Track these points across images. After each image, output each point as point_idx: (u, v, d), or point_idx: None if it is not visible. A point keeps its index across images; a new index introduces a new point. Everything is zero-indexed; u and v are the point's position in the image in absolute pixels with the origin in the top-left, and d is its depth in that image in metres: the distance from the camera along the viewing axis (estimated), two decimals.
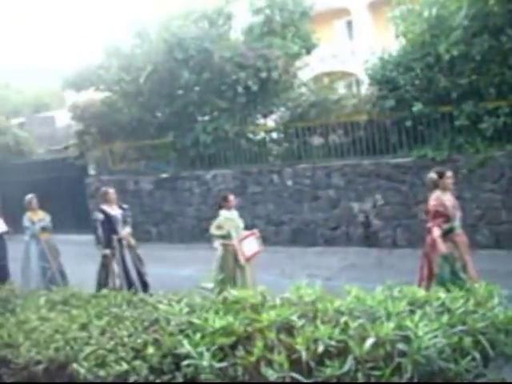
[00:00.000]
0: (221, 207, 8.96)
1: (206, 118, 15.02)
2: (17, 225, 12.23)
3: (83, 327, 3.85)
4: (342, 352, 2.96)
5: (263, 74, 14.12)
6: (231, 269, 8.59)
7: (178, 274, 11.30)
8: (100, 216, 9.30)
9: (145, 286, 9.20)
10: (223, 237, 8.70)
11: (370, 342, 2.89)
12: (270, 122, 15.24)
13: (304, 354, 2.89)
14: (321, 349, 2.90)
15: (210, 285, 3.89)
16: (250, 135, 14.98)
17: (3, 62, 53.95)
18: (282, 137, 14.71)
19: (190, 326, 3.44)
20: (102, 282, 8.99)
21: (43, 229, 10.71)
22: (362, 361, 2.87)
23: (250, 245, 8.79)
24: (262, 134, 15.13)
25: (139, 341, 3.44)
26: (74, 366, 3.37)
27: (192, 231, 14.91)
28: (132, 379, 3.19)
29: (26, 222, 10.70)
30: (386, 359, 2.89)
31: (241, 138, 14.56)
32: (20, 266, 10.83)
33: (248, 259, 8.63)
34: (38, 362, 3.58)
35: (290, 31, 15.48)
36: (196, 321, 3.40)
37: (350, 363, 2.86)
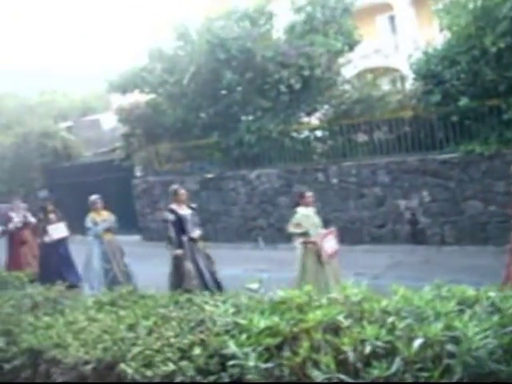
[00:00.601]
0: (297, 204, 8.79)
1: (250, 117, 15.05)
2: (68, 226, 12.52)
3: (131, 328, 3.88)
4: (389, 353, 2.91)
5: (306, 72, 14.08)
6: (314, 267, 8.37)
7: (224, 274, 11.34)
8: (171, 217, 9.16)
9: (218, 286, 9.08)
10: (302, 235, 8.50)
11: (418, 342, 2.83)
12: (314, 120, 15.19)
13: (351, 355, 2.86)
14: (368, 350, 2.86)
15: (256, 285, 3.87)
16: (294, 134, 14.95)
17: (50, 67, 55.05)
18: (327, 135, 14.64)
19: (235, 326, 3.44)
20: (176, 283, 8.85)
21: (106, 229, 10.66)
22: (409, 362, 2.82)
23: (329, 242, 8.53)
24: (305, 133, 15.09)
25: (186, 341, 3.45)
26: (122, 366, 3.40)
27: (237, 231, 14.97)
28: (178, 379, 3.20)
29: (88, 223, 10.65)
30: (435, 360, 2.83)
31: (285, 137, 14.54)
32: (82, 266, 10.88)
33: (330, 257, 8.42)
34: (87, 362, 3.62)
35: (331, 28, 15.37)
36: (242, 321, 3.39)
37: (397, 364, 2.81)
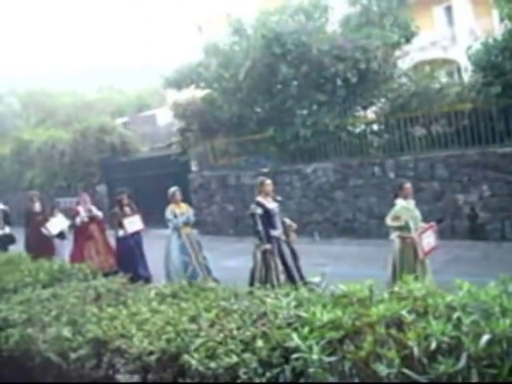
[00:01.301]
0: (396, 196, 8.40)
1: (306, 111, 15.00)
2: None
3: (193, 319, 3.92)
4: (455, 349, 2.87)
5: (362, 66, 13.96)
6: (411, 263, 7.96)
7: None
8: (259, 210, 8.85)
9: (304, 281, 8.37)
10: (400, 228, 8.12)
11: (485, 338, 2.78)
12: (370, 114, 15.05)
13: (416, 350, 2.83)
14: (433, 345, 2.83)
15: (317, 279, 3.87)
16: (350, 128, 14.84)
17: (106, 64, 56.04)
18: (383, 128, 14.48)
19: (297, 319, 3.45)
20: (263, 277, 8.57)
21: (185, 223, 10.57)
22: (476, 358, 2.77)
23: (428, 239, 8.03)
24: (362, 127, 14.96)
25: (248, 333, 3.47)
26: (186, 357, 3.44)
27: None
28: (241, 372, 3.22)
29: (168, 215, 10.55)
30: (503, 357, 2.78)
31: (341, 131, 14.45)
32: (163, 260, 10.76)
33: (426, 254, 7.95)
34: (151, 353, 3.67)
35: (388, 20, 15.18)
36: (304, 314, 3.40)
37: (464, 360, 2.77)
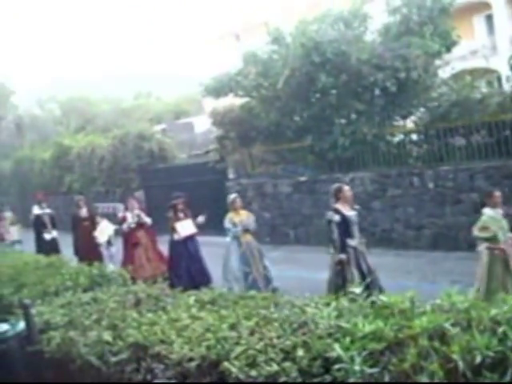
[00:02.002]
0: (484, 205, 8.01)
1: (344, 120, 14.95)
2: (161, 226, 12.82)
3: (232, 327, 3.93)
4: (501, 363, 2.83)
5: (402, 75, 13.85)
6: (500, 276, 7.58)
7: (316, 277, 11.27)
8: (336, 217, 8.35)
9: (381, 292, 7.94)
10: (488, 239, 7.71)
11: None
12: (409, 124, 14.93)
13: (460, 364, 2.79)
14: (478, 359, 2.79)
15: (358, 289, 3.84)
16: (389, 137, 14.74)
17: (145, 70, 56.65)
18: (422, 138, 14.34)
19: (338, 329, 3.44)
20: (340, 289, 7.71)
21: (245, 230, 10.30)
22: None
23: None
24: (400, 136, 14.85)
25: (288, 343, 3.46)
26: (226, 364, 3.45)
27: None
28: (281, 380, 3.22)
29: (227, 224, 10.32)
30: None
31: (379, 141, 14.35)
32: (222, 269, 10.48)
33: None
34: (191, 359, 3.69)
35: (428, 29, 15.01)
36: (345, 325, 3.39)
37: (509, 376, 2.72)
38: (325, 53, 14.17)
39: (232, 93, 16.99)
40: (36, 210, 15.16)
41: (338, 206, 8.51)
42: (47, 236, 14.70)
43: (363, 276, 8.23)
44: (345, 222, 8.39)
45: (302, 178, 15.55)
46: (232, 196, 10.66)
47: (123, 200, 19.35)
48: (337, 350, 3.10)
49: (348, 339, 3.19)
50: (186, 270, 10.82)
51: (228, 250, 10.34)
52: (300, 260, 13.10)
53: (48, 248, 13.71)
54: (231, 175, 17.86)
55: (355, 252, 8.41)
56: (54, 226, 14.89)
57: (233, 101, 18.01)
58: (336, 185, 8.99)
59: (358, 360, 3.00)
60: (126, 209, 12.76)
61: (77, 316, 5.07)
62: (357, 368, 2.96)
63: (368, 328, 3.25)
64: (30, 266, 7.86)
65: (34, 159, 30.40)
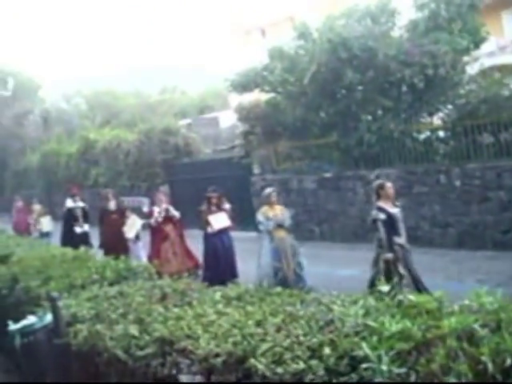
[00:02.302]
0: None
1: (370, 117, 14.88)
2: (187, 220, 12.86)
3: (259, 324, 3.93)
4: None
5: (429, 71, 13.72)
6: None
7: (341, 274, 11.30)
8: (381, 215, 8.16)
9: (427, 291, 7.49)
10: None
11: None
12: (436, 121, 14.79)
13: (490, 366, 2.76)
14: (508, 362, 2.75)
15: (386, 288, 3.81)
16: (415, 134, 14.62)
17: (170, 65, 56.90)
18: (449, 135, 14.20)
19: (365, 328, 3.42)
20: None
21: (279, 225, 10.02)
22: None
23: None
24: (427, 133, 14.71)
25: (315, 340, 3.45)
26: (252, 361, 3.45)
27: (354, 231, 14.82)
28: (308, 379, 3.21)
29: (259, 217, 10.11)
30: None
31: (406, 137, 14.25)
32: (255, 263, 10.19)
33: None
34: (217, 355, 3.69)
35: (457, 25, 14.84)
36: (372, 324, 3.37)
37: None
38: (352, 48, 14.09)
39: (258, 88, 16.98)
40: (69, 203, 15.23)
41: (381, 203, 8.35)
42: (78, 229, 14.75)
43: (412, 275, 8.12)
44: (390, 220, 8.20)
45: (327, 175, 15.50)
46: (268, 190, 10.42)
47: (148, 194, 19.50)
48: (364, 349, 3.09)
49: (375, 338, 3.18)
50: (216, 263, 10.79)
51: (260, 245, 10.13)
52: (324, 256, 13.06)
53: (78, 241, 13.63)
54: (256, 171, 17.86)
55: (402, 250, 8.21)
56: (87, 220, 14.95)
57: (258, 96, 18.01)
58: (378, 181, 8.86)
59: (385, 359, 2.98)
60: (153, 203, 12.70)
61: (103, 309, 5.12)
62: (384, 367, 2.94)
63: (395, 327, 3.23)
64: (57, 259, 7.96)
65: (61, 153, 30.71)
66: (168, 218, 12.03)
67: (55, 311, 5.21)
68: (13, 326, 5.49)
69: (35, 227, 17.41)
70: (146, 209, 14.96)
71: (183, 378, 3.97)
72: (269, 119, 17.03)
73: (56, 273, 6.91)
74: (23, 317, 5.72)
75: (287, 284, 9.17)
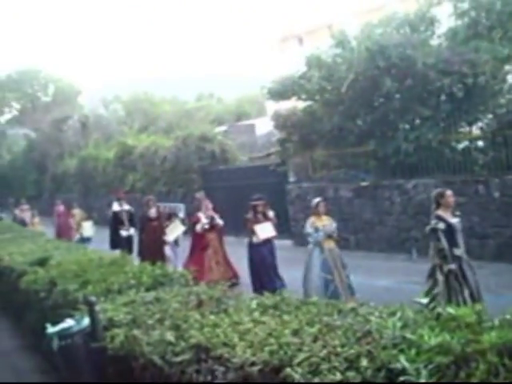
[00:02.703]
0: None
1: (408, 126, 14.75)
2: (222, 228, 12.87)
3: (295, 333, 3.89)
4: None
5: (469, 80, 13.55)
6: None
7: (376, 284, 11.20)
8: (441, 225, 7.97)
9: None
10: None
11: None
12: (475, 130, 14.60)
13: None
14: None
15: (425, 300, 3.76)
16: (454, 144, 14.45)
17: (206, 72, 57.32)
18: (489, 145, 13.98)
19: (403, 340, 3.37)
20: (446, 301, 7.38)
21: (328, 236, 9.78)
22: None
23: None
24: (466, 143, 14.52)
25: (352, 351, 3.41)
26: (288, 370, 3.42)
27: (391, 241, 14.69)
28: None
29: (308, 228, 9.87)
30: None
31: (444, 147, 14.08)
32: (302, 274, 9.95)
33: None
34: (253, 363, 3.67)
35: (497, 33, 14.67)
36: (411, 336, 3.32)
37: None
38: (390, 57, 14.02)
39: (295, 96, 16.99)
40: (115, 207, 15.29)
41: (440, 212, 8.14)
42: (124, 233, 14.73)
43: (469, 286, 7.89)
44: (449, 230, 8.00)
45: (364, 183, 15.39)
46: (316, 200, 10.11)
47: (184, 200, 19.62)
48: (402, 362, 3.04)
49: (413, 351, 3.13)
50: (266, 272, 10.61)
51: (310, 257, 9.83)
52: (360, 266, 12.92)
53: (123, 244, 13.91)
54: (292, 178, 17.84)
55: (460, 261, 7.97)
56: (132, 224, 14.94)
57: (295, 104, 18.01)
58: (438, 190, 8.66)
59: (423, 373, 2.94)
60: (197, 209, 12.51)
61: (140, 315, 5.14)
62: (423, 381, 2.90)
63: (434, 340, 3.18)
64: (94, 263, 8.04)
65: (98, 158, 31.16)
66: (212, 226, 11.99)
67: (93, 315, 5.25)
68: (51, 329, 5.55)
69: (77, 231, 17.49)
70: (181, 215, 15.04)
71: None
72: (305, 127, 17.02)
73: (93, 277, 6.97)
74: (61, 319, 5.78)
75: (338, 296, 9.06)
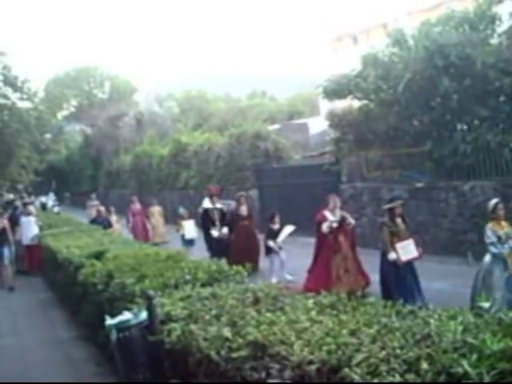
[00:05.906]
0: None
1: (466, 126, 14.48)
2: None
3: (353, 333, 3.89)
4: None
5: None
6: None
7: (431, 287, 11.00)
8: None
9: None
10: None
11: None
12: None
13: None
14: None
15: (487, 304, 3.70)
16: None
17: (259, 70, 57.51)
18: None
19: (464, 345, 3.33)
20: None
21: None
22: None
23: None
24: None
25: (411, 354, 3.38)
26: (346, 370, 3.42)
27: (446, 244, 14.43)
28: None
29: (490, 237, 8.49)
30: None
31: (503, 148, 13.74)
32: (471, 289, 8.58)
33: None
34: (311, 362, 3.67)
35: None
36: (472, 341, 3.28)
37: None
38: (448, 56, 13.79)
39: (350, 95, 16.87)
40: (206, 204, 14.37)
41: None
42: (215, 233, 13.71)
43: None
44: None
45: (419, 185, 15.16)
46: (493, 201, 8.76)
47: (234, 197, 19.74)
48: (464, 366, 3.01)
49: (475, 356, 3.09)
50: (394, 286, 9.20)
51: (486, 270, 8.48)
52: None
53: (216, 246, 12.74)
54: (345, 178, 17.73)
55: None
56: (224, 223, 13.84)
57: (350, 103, 17.90)
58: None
59: (486, 378, 2.90)
60: (325, 206, 10.69)
61: (197, 310, 5.20)
62: None
63: (497, 346, 3.14)
64: (150, 258, 8.18)
65: (153, 155, 31.59)
66: (342, 226, 10.37)
67: (151, 309, 5.35)
68: (110, 321, 5.67)
69: (178, 232, 15.50)
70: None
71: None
72: (360, 126, 16.88)
73: (150, 271, 7.10)
74: (117, 312, 5.91)
75: None
